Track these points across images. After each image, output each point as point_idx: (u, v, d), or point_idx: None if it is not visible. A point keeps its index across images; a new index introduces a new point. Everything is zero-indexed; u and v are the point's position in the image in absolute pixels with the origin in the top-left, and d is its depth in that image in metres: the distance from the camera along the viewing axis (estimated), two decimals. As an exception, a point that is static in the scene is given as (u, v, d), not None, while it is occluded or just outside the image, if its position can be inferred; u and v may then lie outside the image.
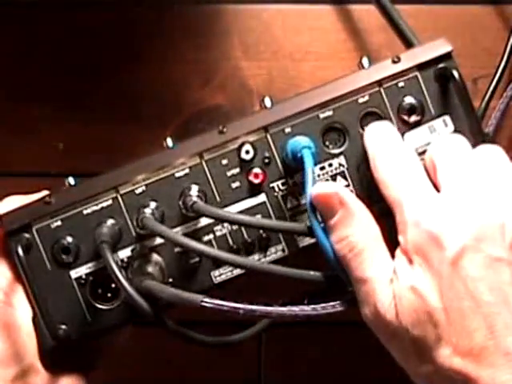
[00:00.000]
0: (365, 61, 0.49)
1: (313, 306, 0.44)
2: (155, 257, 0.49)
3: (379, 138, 0.47)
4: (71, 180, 0.49)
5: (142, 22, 0.62)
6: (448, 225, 0.41)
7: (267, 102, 0.49)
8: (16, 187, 0.53)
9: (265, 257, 0.49)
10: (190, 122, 0.62)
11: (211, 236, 0.49)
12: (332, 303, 0.44)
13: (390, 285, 0.42)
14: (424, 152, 0.48)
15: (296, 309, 0.43)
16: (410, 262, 0.42)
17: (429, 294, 0.41)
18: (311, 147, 0.47)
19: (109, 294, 0.49)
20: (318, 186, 0.45)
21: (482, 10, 0.62)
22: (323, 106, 0.49)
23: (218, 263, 0.49)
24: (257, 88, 0.62)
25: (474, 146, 0.46)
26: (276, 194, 0.49)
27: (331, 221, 0.44)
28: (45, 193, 0.50)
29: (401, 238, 0.43)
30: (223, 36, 0.62)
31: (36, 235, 0.49)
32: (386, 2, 0.58)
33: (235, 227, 0.49)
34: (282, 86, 0.62)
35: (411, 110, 0.49)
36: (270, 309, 0.43)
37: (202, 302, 0.43)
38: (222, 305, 0.42)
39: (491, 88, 0.59)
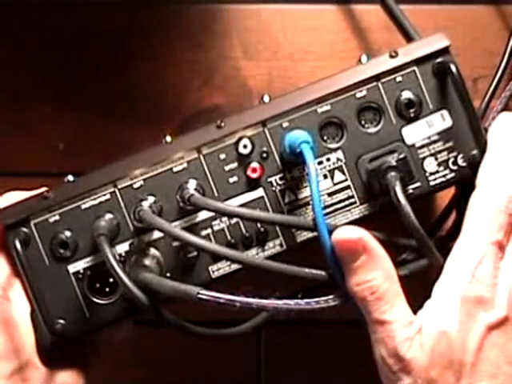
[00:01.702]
0: (363, 58, 0.49)
1: (307, 301, 0.44)
2: (153, 251, 0.49)
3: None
4: (70, 178, 0.49)
5: (141, 21, 0.62)
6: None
7: (265, 97, 0.49)
8: (16, 187, 0.52)
9: (263, 251, 0.49)
10: (190, 122, 0.61)
11: (209, 230, 0.49)
12: (325, 298, 0.45)
13: (410, 326, 0.43)
14: (422, 146, 0.49)
15: (291, 302, 0.44)
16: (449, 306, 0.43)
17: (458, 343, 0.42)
18: (309, 142, 0.47)
19: (107, 289, 0.49)
20: (341, 231, 0.44)
21: (482, 10, 0.62)
22: (321, 100, 0.49)
23: (216, 258, 0.49)
24: (256, 88, 0.62)
25: (473, 140, 0.46)
26: (274, 188, 0.49)
27: (353, 264, 0.44)
28: (44, 189, 0.50)
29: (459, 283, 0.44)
30: (222, 36, 0.62)
31: (34, 229, 0.49)
32: (390, 1, 0.58)
33: (233, 221, 0.49)
34: (281, 86, 0.61)
35: (409, 104, 0.49)
36: (265, 302, 0.43)
37: (199, 294, 0.43)
38: (218, 297, 0.43)
39: (491, 88, 0.59)
